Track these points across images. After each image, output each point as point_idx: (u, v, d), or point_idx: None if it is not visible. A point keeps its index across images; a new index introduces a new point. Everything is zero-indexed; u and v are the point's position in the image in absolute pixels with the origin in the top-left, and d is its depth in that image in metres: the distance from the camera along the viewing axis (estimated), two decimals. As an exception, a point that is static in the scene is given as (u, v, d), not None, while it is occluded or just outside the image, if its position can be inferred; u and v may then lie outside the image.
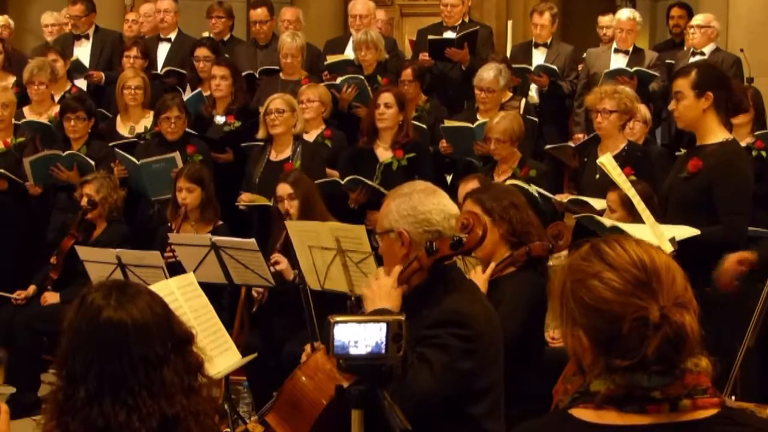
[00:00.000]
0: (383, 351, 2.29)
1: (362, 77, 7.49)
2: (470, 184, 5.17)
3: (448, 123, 7.04)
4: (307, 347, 3.68)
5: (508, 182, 5.90)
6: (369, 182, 6.34)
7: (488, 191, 4.32)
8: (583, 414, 1.79)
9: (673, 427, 1.75)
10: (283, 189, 5.75)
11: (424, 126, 7.16)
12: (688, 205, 4.64)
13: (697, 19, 8.08)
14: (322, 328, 2.78)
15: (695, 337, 1.77)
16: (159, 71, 8.27)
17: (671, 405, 1.75)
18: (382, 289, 3.01)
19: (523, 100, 7.49)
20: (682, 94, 4.57)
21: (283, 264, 5.49)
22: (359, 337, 2.29)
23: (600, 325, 1.79)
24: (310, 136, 6.91)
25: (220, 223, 6.08)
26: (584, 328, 1.81)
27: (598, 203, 5.56)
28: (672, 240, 4.32)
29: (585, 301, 1.80)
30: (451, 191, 5.47)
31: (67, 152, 6.83)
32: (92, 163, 6.73)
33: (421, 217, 3.11)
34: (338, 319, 2.30)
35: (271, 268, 5.49)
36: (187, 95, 7.72)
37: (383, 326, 2.29)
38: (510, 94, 7.39)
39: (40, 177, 6.85)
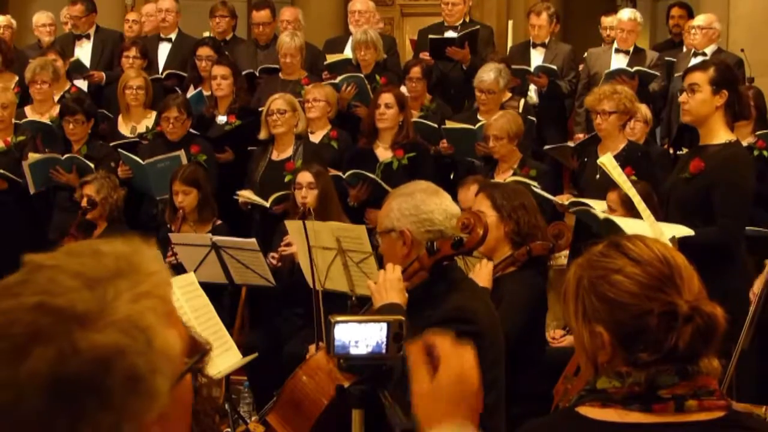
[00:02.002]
0: (384, 351, 2.29)
1: (362, 76, 7.49)
2: (472, 188, 5.17)
3: (449, 124, 7.04)
4: (312, 347, 3.69)
5: (510, 179, 5.91)
6: (371, 175, 6.34)
7: (502, 188, 4.38)
8: (589, 412, 1.79)
9: (678, 427, 1.75)
10: (304, 177, 5.74)
11: (435, 125, 7.13)
12: (687, 206, 4.64)
13: (699, 20, 8.07)
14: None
15: (724, 326, 1.78)
16: (160, 71, 8.27)
17: (677, 405, 1.75)
18: (390, 283, 3.00)
19: (522, 100, 7.49)
20: (699, 87, 4.55)
21: (295, 247, 5.49)
22: (360, 336, 2.29)
23: (625, 320, 1.78)
24: (316, 137, 6.90)
25: (219, 222, 6.07)
26: (605, 324, 1.80)
27: (598, 205, 5.55)
28: (673, 240, 4.32)
29: (608, 297, 1.80)
30: (452, 191, 5.47)
31: (66, 155, 6.82)
32: (91, 165, 6.72)
33: (424, 216, 3.11)
34: (339, 318, 2.30)
35: (284, 249, 5.52)
36: (188, 95, 7.71)
37: (384, 326, 2.29)
38: (509, 94, 7.38)
39: (40, 180, 6.85)
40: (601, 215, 4.83)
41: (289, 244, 5.56)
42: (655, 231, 4.33)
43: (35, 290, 1.09)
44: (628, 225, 4.49)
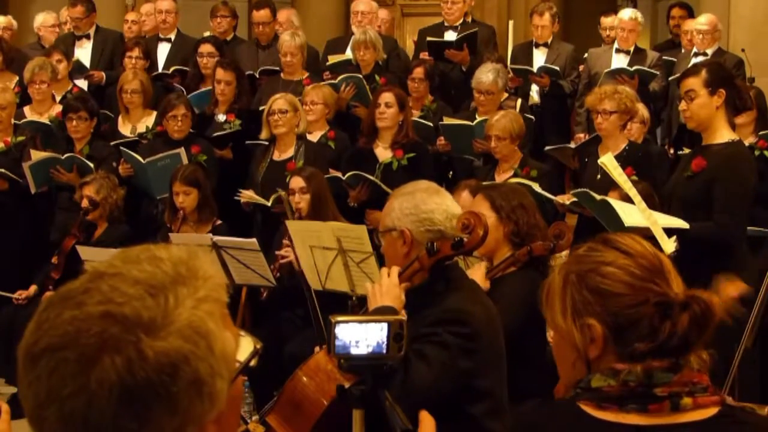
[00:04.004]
0: (384, 351, 2.29)
1: (360, 76, 7.49)
2: (464, 194, 5.16)
3: (447, 120, 7.03)
4: (317, 349, 3.68)
5: (512, 181, 5.90)
6: (371, 177, 6.33)
7: (499, 189, 4.36)
8: (587, 409, 1.79)
9: (675, 429, 1.74)
10: (296, 182, 5.73)
11: (430, 124, 7.14)
12: (690, 204, 4.64)
13: (702, 23, 7.97)
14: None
15: (719, 314, 1.78)
16: (161, 71, 8.26)
17: (672, 404, 1.74)
18: (385, 287, 3.01)
19: (519, 100, 7.48)
20: (696, 93, 4.55)
21: (292, 255, 5.48)
22: (360, 336, 2.29)
23: (620, 310, 1.78)
24: (313, 137, 6.90)
25: (219, 222, 6.07)
26: (599, 317, 1.80)
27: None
28: (674, 241, 4.32)
29: (601, 288, 1.80)
30: (450, 191, 5.45)
31: (66, 155, 6.82)
32: (91, 165, 6.73)
33: (424, 216, 3.12)
34: (340, 318, 2.30)
35: (281, 259, 5.51)
36: (191, 93, 7.70)
37: (384, 326, 2.29)
38: (506, 94, 7.38)
39: (41, 180, 6.85)
40: (598, 197, 4.82)
41: (285, 255, 5.54)
42: (657, 231, 4.33)
43: (100, 299, 1.11)
44: (623, 207, 4.49)
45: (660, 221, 4.40)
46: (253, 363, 1.30)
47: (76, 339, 1.09)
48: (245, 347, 1.29)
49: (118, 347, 1.08)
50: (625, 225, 4.34)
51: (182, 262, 1.17)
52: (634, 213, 4.44)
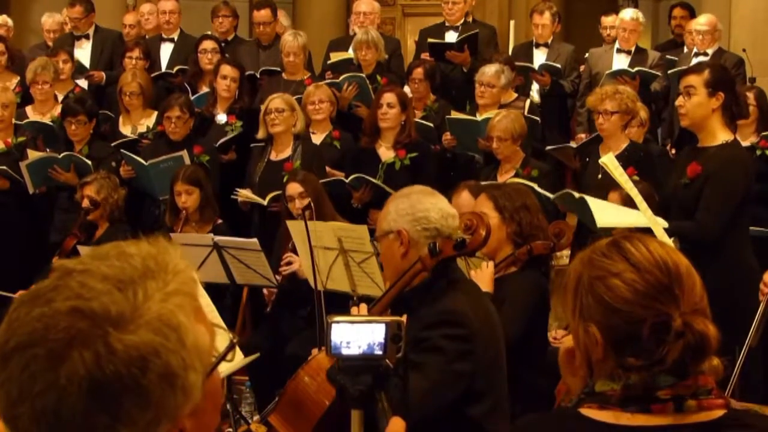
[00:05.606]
0: (381, 352, 2.28)
1: (363, 76, 7.49)
2: (463, 194, 5.15)
3: (454, 114, 7.03)
4: (315, 351, 3.68)
5: (513, 181, 5.90)
6: (374, 180, 6.33)
7: (503, 189, 4.37)
8: (589, 413, 1.78)
9: (678, 429, 1.74)
10: (294, 188, 5.70)
11: (431, 125, 7.14)
12: (690, 211, 4.62)
13: (701, 24, 7.96)
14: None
15: (715, 345, 1.76)
16: (164, 71, 8.25)
17: (676, 405, 1.74)
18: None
19: (528, 101, 7.49)
20: (695, 90, 4.53)
21: (297, 264, 5.47)
22: (357, 337, 2.28)
23: (617, 325, 1.77)
24: (317, 137, 6.89)
25: (220, 221, 6.06)
26: (599, 325, 1.79)
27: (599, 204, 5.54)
28: (674, 242, 4.31)
29: (604, 300, 1.78)
30: (450, 190, 5.45)
31: (64, 153, 6.82)
32: (89, 163, 6.72)
33: (420, 215, 3.14)
34: (336, 319, 2.29)
35: (285, 269, 5.49)
36: (195, 94, 7.69)
37: (382, 327, 2.28)
38: (515, 95, 7.38)
39: (38, 179, 6.84)
40: (577, 195, 4.82)
41: (289, 263, 5.53)
42: (658, 232, 4.31)
43: (68, 295, 1.12)
44: (599, 206, 4.48)
45: (641, 217, 4.37)
46: (230, 357, 1.28)
47: (44, 336, 1.09)
48: (221, 341, 1.28)
49: (87, 342, 1.08)
50: (597, 226, 4.29)
51: (151, 257, 1.17)
52: (609, 211, 4.43)
